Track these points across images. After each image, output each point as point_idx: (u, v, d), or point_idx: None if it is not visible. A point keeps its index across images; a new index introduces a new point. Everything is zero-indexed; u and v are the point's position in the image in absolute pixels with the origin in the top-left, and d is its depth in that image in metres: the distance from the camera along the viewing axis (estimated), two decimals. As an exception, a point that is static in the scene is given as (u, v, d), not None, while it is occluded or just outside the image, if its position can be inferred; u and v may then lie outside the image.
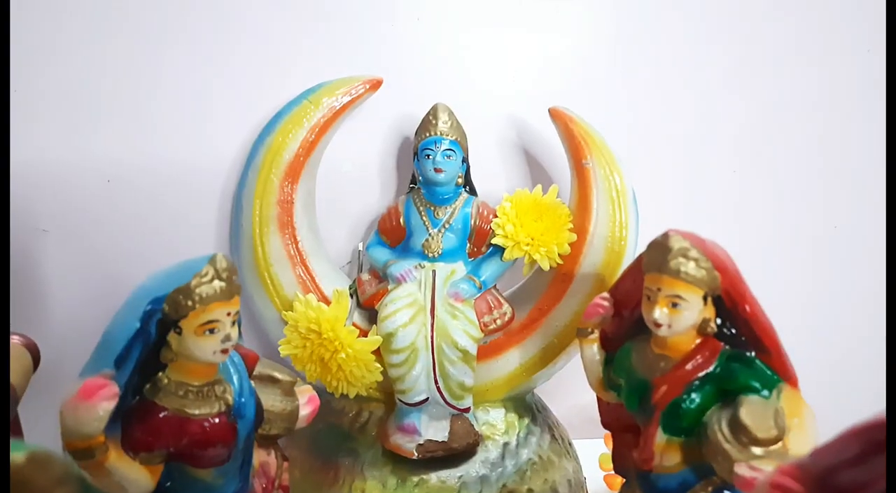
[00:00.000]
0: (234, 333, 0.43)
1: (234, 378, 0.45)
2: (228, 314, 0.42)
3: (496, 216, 0.62)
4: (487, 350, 0.62)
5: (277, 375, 0.51)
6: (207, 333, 0.41)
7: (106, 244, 0.68)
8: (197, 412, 0.43)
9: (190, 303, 0.41)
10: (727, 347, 0.45)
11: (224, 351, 0.42)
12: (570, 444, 0.67)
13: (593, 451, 0.74)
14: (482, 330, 0.60)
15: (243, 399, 0.45)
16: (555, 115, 0.64)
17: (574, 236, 0.61)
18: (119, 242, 0.68)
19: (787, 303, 0.63)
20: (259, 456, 0.49)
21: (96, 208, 0.67)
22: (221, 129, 0.68)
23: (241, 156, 0.68)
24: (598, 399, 0.55)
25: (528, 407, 0.65)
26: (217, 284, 0.41)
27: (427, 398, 0.59)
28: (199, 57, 0.68)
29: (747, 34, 0.76)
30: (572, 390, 0.69)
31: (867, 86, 0.79)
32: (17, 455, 0.31)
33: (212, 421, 0.43)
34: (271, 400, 0.49)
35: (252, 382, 0.48)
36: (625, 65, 0.74)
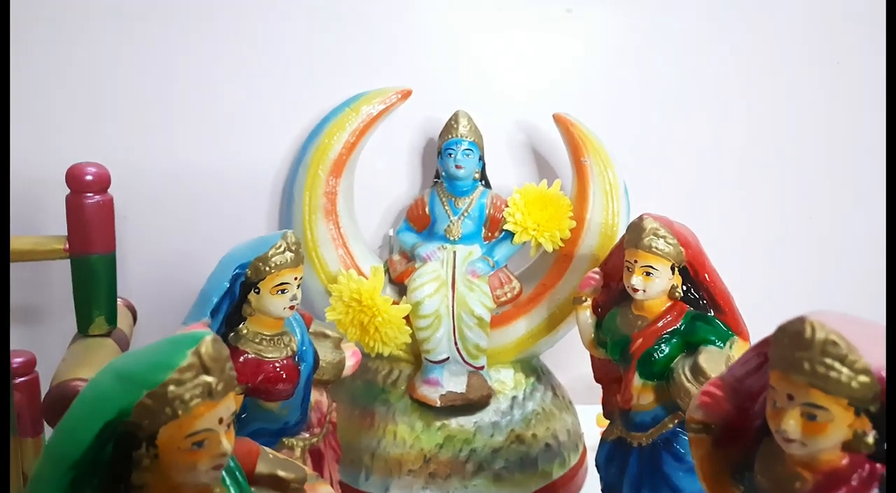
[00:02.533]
0: (298, 293, 0.54)
1: (297, 331, 0.57)
2: (295, 279, 0.54)
3: (507, 206, 0.72)
4: (499, 319, 0.73)
5: (328, 332, 0.63)
6: (279, 293, 0.53)
7: (180, 228, 0.80)
8: (270, 355, 0.54)
9: (267, 268, 0.52)
10: (691, 308, 0.56)
11: (291, 307, 0.54)
12: (569, 402, 0.78)
13: (592, 413, 0.85)
14: (495, 301, 0.71)
15: (304, 348, 0.57)
16: (558, 119, 0.75)
17: (574, 223, 0.72)
18: (190, 226, 0.81)
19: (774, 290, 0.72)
20: (314, 396, 0.60)
21: (170, 200, 0.80)
22: (275, 132, 0.80)
23: (290, 156, 0.80)
24: (591, 357, 0.65)
25: (533, 369, 0.76)
26: (288, 254, 0.53)
27: (448, 357, 0.70)
28: (257, 72, 0.80)
29: (746, 40, 0.86)
30: (575, 362, 0.79)
31: (864, 87, 0.89)
32: (206, 336, 0.32)
33: (281, 363, 0.54)
34: (324, 351, 0.61)
35: (309, 336, 0.59)
36: (622, 75, 0.86)
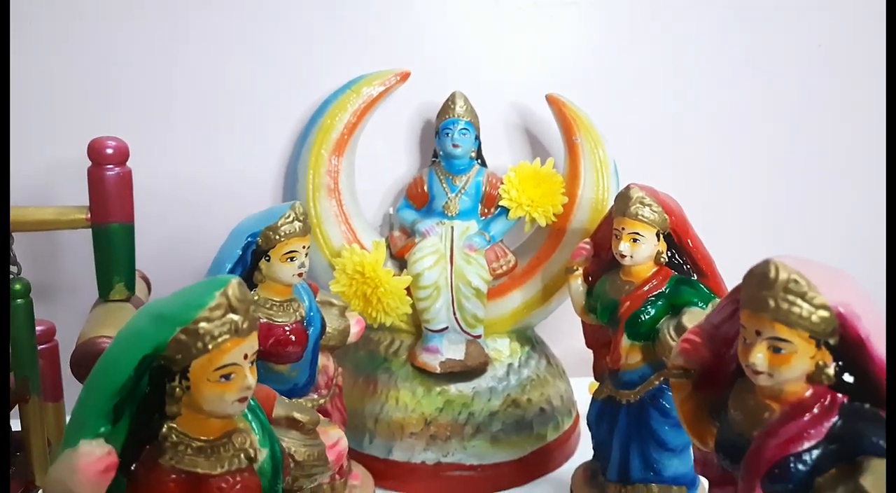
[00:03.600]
0: (306, 261, 0.58)
1: (305, 298, 0.60)
2: (304, 247, 0.57)
3: (502, 183, 0.76)
4: (495, 291, 0.77)
5: (334, 301, 0.66)
6: (288, 260, 0.56)
7: (190, 206, 0.83)
8: (280, 320, 0.57)
9: (277, 237, 0.55)
10: (676, 273, 0.60)
11: (299, 274, 0.57)
12: (563, 370, 0.82)
13: (585, 384, 0.89)
14: (491, 274, 0.75)
15: (312, 313, 0.60)
16: (551, 100, 0.79)
17: (566, 199, 0.76)
18: (199, 204, 0.84)
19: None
20: (322, 360, 0.64)
21: (182, 179, 0.83)
22: (280, 114, 0.83)
23: (294, 136, 0.83)
24: (583, 324, 0.69)
25: (528, 339, 0.80)
26: (296, 224, 0.56)
27: (447, 327, 0.74)
28: (261, 56, 0.83)
29: (734, 21, 0.90)
30: (568, 335, 0.83)
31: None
32: (233, 280, 0.35)
33: (291, 327, 0.58)
34: (330, 319, 0.64)
35: (316, 304, 0.63)
36: (613, 58, 0.89)
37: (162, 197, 0.83)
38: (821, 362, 0.36)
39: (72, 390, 0.49)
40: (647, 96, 0.91)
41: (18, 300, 0.54)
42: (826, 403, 0.37)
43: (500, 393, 0.74)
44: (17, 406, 0.57)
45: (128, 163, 0.57)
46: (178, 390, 0.34)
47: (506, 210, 0.76)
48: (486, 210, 0.77)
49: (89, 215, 0.54)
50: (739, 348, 0.38)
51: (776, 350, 0.36)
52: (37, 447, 0.58)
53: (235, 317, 0.34)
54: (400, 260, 0.77)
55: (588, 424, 0.66)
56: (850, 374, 0.36)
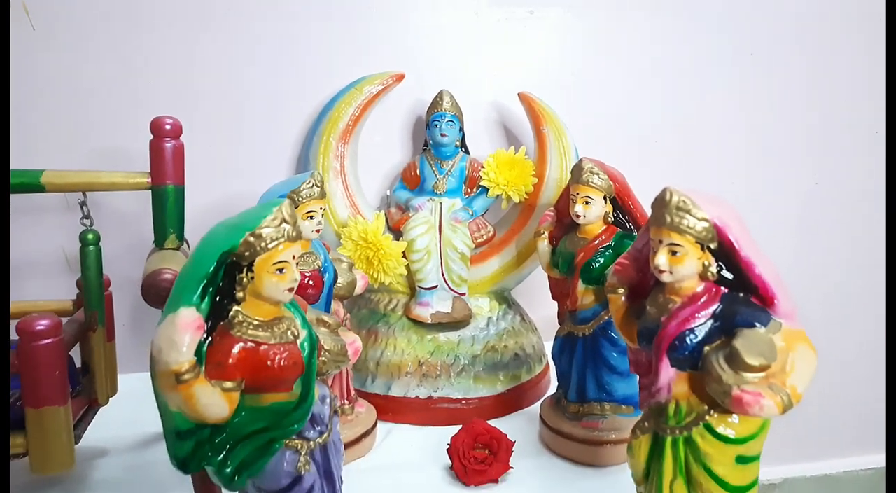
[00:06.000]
0: (323, 220, 0.71)
1: (321, 252, 0.74)
2: (321, 208, 0.71)
3: (483, 167, 0.90)
4: (477, 258, 0.91)
5: (343, 258, 0.79)
6: (309, 219, 0.70)
7: (223, 179, 0.98)
8: (301, 267, 0.71)
9: (299, 198, 0.69)
10: (620, 230, 0.74)
11: (317, 231, 0.71)
12: (535, 327, 0.95)
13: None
14: (473, 242, 0.89)
15: (327, 264, 0.74)
16: (522, 97, 0.94)
17: (535, 180, 0.90)
18: (227, 186, 0.98)
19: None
20: (334, 305, 0.77)
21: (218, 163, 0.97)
22: (295, 109, 0.98)
23: (306, 127, 0.98)
24: (549, 279, 0.83)
25: (505, 299, 0.94)
26: (315, 188, 0.70)
27: (437, 285, 0.87)
28: (281, 62, 0.98)
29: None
30: (543, 304, 0.97)
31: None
32: (286, 201, 0.49)
33: (311, 273, 0.71)
34: (341, 273, 0.77)
35: (330, 259, 0.76)
36: (575, 62, 1.05)
37: (199, 173, 0.96)
38: (706, 262, 0.50)
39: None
40: (601, 93, 1.07)
41: (90, 247, 0.67)
42: (712, 293, 0.50)
43: (481, 340, 0.87)
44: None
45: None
46: (245, 279, 0.47)
47: (485, 189, 0.90)
48: (469, 190, 0.92)
49: (150, 179, 0.67)
50: (650, 257, 0.52)
51: (673, 253, 0.50)
52: (99, 371, 0.71)
53: (288, 226, 0.47)
54: (396, 232, 0.90)
55: (552, 356, 0.79)
56: (729, 271, 0.51)
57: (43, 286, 0.97)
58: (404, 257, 0.86)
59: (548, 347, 0.95)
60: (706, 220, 0.49)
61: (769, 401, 0.45)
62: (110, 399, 0.73)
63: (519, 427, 0.80)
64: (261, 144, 0.98)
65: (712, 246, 0.50)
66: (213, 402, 0.46)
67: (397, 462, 0.76)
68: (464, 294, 0.89)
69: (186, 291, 0.46)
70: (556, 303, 0.84)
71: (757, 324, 0.48)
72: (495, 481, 0.71)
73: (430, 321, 0.86)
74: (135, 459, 0.77)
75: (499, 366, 0.87)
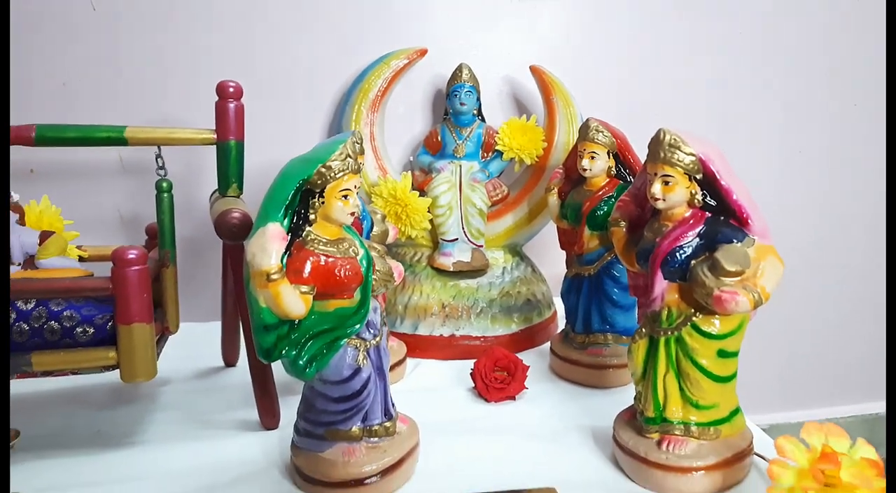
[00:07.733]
0: (361, 204, 0.81)
1: (360, 202, 0.84)
2: (356, 187, 0.79)
3: (498, 134, 1.01)
4: (493, 215, 1.02)
5: (377, 209, 0.90)
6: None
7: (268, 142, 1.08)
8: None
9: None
10: (622, 182, 0.85)
11: (353, 214, 0.79)
12: (545, 278, 1.06)
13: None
14: (490, 199, 1.00)
15: (364, 213, 0.84)
16: (533, 70, 1.04)
17: (545, 144, 1.01)
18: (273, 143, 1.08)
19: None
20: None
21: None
22: (328, 78, 1.08)
23: (338, 96, 1.09)
24: (558, 229, 0.94)
25: (518, 253, 1.05)
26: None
27: (457, 238, 0.98)
28: (316, 38, 1.08)
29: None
30: (551, 263, 1.08)
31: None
32: (350, 137, 0.67)
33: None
34: (375, 222, 0.88)
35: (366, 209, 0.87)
36: (583, 36, 1.16)
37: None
38: (693, 191, 0.61)
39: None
40: (605, 65, 1.18)
41: (164, 194, 0.77)
42: (698, 217, 0.61)
43: (497, 286, 0.98)
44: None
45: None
46: (317, 203, 0.59)
47: (500, 153, 1.01)
48: (485, 154, 1.02)
49: (216, 135, 0.77)
50: (647, 189, 0.63)
51: (666, 183, 0.61)
52: (171, 303, 0.81)
53: (351, 160, 0.59)
54: (420, 192, 1.01)
55: (561, 295, 0.90)
56: (712, 198, 0.61)
57: (103, 242, 1.07)
58: (429, 212, 0.97)
59: (556, 299, 1.07)
60: (693, 154, 0.60)
61: (743, 298, 0.56)
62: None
63: (531, 361, 0.90)
64: (302, 112, 1.09)
65: (698, 177, 0.61)
66: (294, 300, 0.57)
67: (427, 386, 0.87)
68: (481, 246, 1.00)
69: (273, 210, 0.57)
70: (561, 260, 0.95)
71: (734, 240, 0.59)
72: (513, 398, 0.82)
73: (451, 269, 0.97)
74: (197, 384, 0.88)
75: (513, 309, 0.97)
